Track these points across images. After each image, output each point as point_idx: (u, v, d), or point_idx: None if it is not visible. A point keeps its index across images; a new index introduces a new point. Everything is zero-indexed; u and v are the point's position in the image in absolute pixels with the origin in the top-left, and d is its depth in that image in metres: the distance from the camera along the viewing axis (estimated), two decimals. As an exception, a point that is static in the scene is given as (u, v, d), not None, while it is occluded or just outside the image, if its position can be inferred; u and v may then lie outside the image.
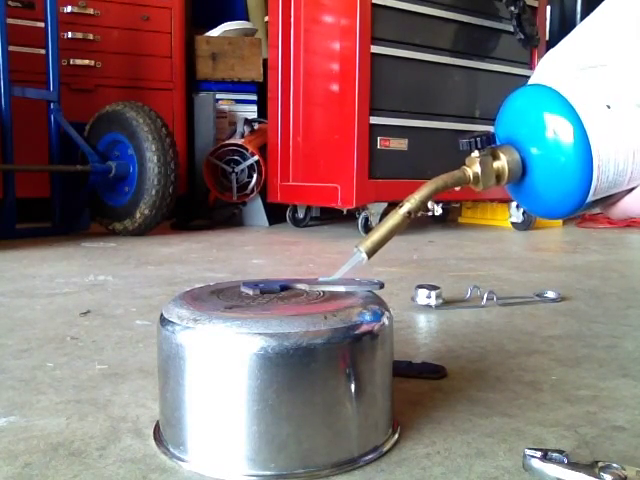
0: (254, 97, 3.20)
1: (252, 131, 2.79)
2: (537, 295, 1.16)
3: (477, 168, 0.49)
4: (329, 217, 2.95)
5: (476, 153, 0.49)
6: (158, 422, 0.56)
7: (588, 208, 0.49)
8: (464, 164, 0.50)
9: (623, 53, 0.46)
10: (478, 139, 0.48)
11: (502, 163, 0.49)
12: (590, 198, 0.47)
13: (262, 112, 3.03)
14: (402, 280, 1.37)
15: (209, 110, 3.01)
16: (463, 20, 2.46)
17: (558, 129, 0.46)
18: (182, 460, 0.50)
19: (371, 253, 0.50)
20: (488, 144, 0.49)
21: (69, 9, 2.80)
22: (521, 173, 0.49)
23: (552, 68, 0.49)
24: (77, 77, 2.85)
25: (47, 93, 2.32)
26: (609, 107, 0.45)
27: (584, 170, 0.45)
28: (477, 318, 1.02)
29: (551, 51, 0.50)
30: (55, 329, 0.94)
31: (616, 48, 0.46)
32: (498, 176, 0.49)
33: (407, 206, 0.49)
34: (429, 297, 1.07)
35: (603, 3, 0.48)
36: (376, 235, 0.50)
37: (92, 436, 0.55)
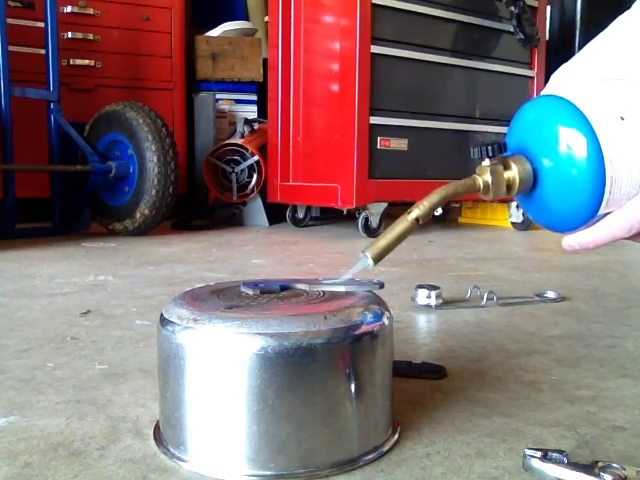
0: (254, 97, 3.20)
1: (252, 131, 2.79)
2: (537, 295, 1.16)
3: (488, 177, 0.48)
4: (329, 217, 2.95)
5: (487, 162, 0.48)
6: (158, 422, 0.56)
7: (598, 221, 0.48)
8: (474, 172, 0.50)
9: (637, 66, 0.46)
10: (489, 147, 0.48)
11: (513, 173, 0.48)
12: (602, 211, 0.46)
13: (262, 112, 3.03)
14: (402, 280, 1.37)
15: (209, 110, 3.01)
16: (463, 20, 2.45)
17: (571, 141, 0.45)
18: (182, 460, 0.50)
19: (378, 259, 0.49)
20: (500, 153, 0.48)
21: (69, 9, 2.80)
22: (532, 184, 0.48)
23: (567, 80, 0.49)
24: (77, 77, 2.85)
25: (47, 93, 2.32)
26: (623, 119, 0.45)
27: (597, 182, 0.45)
28: (477, 318, 1.02)
29: (565, 64, 0.50)
30: (55, 329, 0.94)
31: (631, 62, 0.46)
32: (509, 186, 0.49)
33: (416, 212, 0.49)
34: (429, 297, 1.07)
35: (618, 18, 0.48)
36: (383, 241, 0.49)
37: (92, 436, 0.55)
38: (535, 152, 0.48)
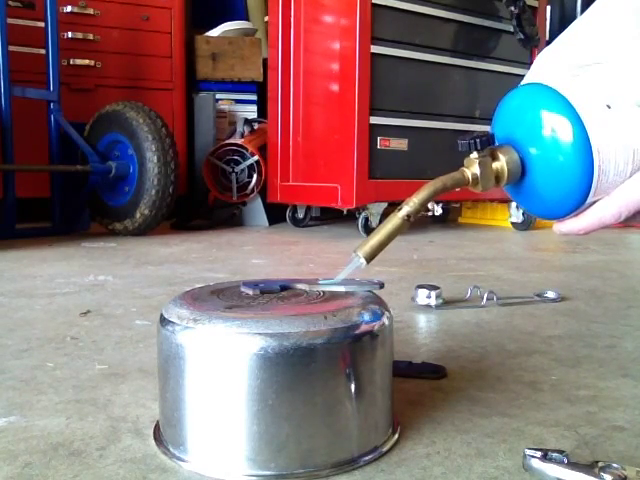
0: (254, 97, 3.20)
1: (252, 131, 2.79)
2: (537, 295, 1.16)
3: (476, 169, 0.48)
4: (329, 217, 2.95)
5: (475, 154, 0.48)
6: (158, 422, 0.56)
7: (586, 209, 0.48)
8: (463, 165, 0.50)
9: (622, 50, 0.45)
10: (477, 140, 0.48)
11: (501, 164, 0.48)
12: (590, 199, 0.46)
13: (262, 112, 3.03)
14: (402, 280, 1.37)
15: (209, 110, 3.01)
16: (463, 20, 2.45)
17: (558, 129, 0.45)
18: (182, 460, 0.50)
19: (370, 258, 0.49)
20: (487, 145, 0.48)
21: (69, 9, 2.80)
22: (520, 173, 0.49)
23: (550, 66, 0.48)
24: (77, 77, 2.85)
25: (47, 93, 2.32)
26: (609, 107, 0.45)
27: (585, 170, 0.45)
28: (477, 318, 1.02)
29: (547, 48, 0.49)
30: (55, 329, 0.94)
31: (615, 45, 0.45)
32: (497, 177, 0.49)
33: (406, 209, 0.49)
34: (429, 297, 1.07)
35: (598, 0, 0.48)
36: (374, 240, 0.49)
37: (92, 436, 0.55)
38: (522, 141, 0.48)
